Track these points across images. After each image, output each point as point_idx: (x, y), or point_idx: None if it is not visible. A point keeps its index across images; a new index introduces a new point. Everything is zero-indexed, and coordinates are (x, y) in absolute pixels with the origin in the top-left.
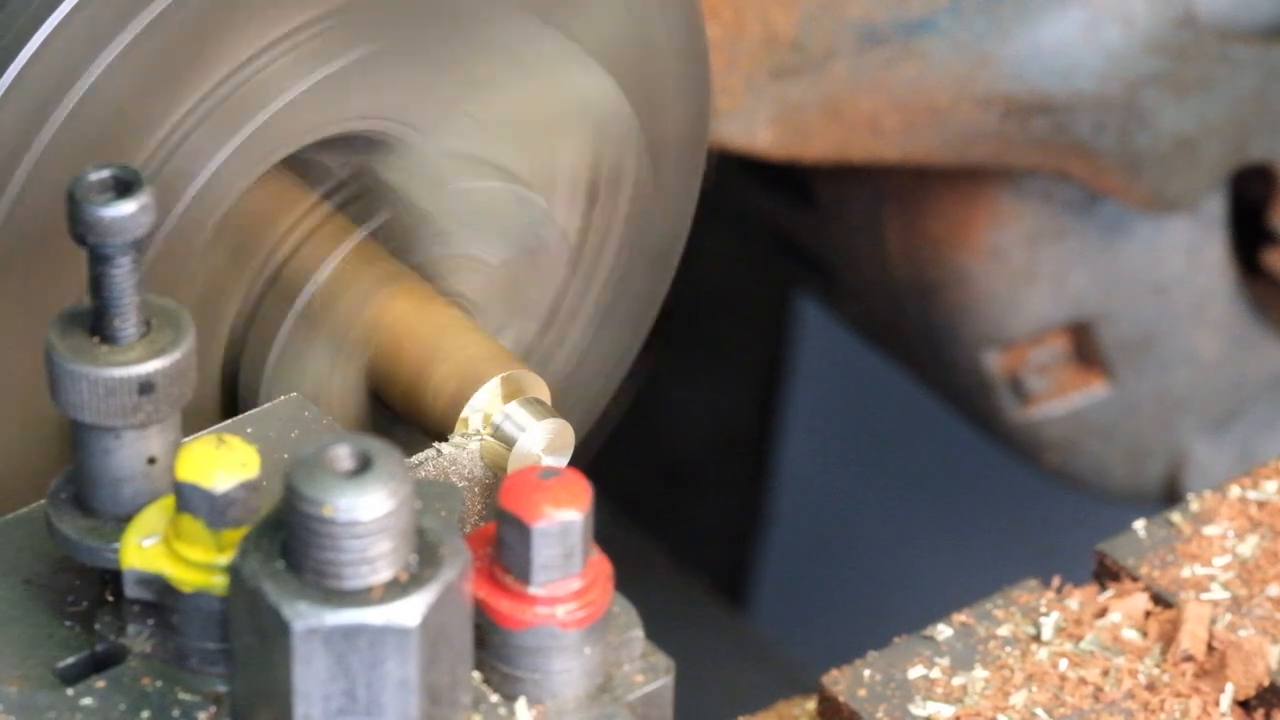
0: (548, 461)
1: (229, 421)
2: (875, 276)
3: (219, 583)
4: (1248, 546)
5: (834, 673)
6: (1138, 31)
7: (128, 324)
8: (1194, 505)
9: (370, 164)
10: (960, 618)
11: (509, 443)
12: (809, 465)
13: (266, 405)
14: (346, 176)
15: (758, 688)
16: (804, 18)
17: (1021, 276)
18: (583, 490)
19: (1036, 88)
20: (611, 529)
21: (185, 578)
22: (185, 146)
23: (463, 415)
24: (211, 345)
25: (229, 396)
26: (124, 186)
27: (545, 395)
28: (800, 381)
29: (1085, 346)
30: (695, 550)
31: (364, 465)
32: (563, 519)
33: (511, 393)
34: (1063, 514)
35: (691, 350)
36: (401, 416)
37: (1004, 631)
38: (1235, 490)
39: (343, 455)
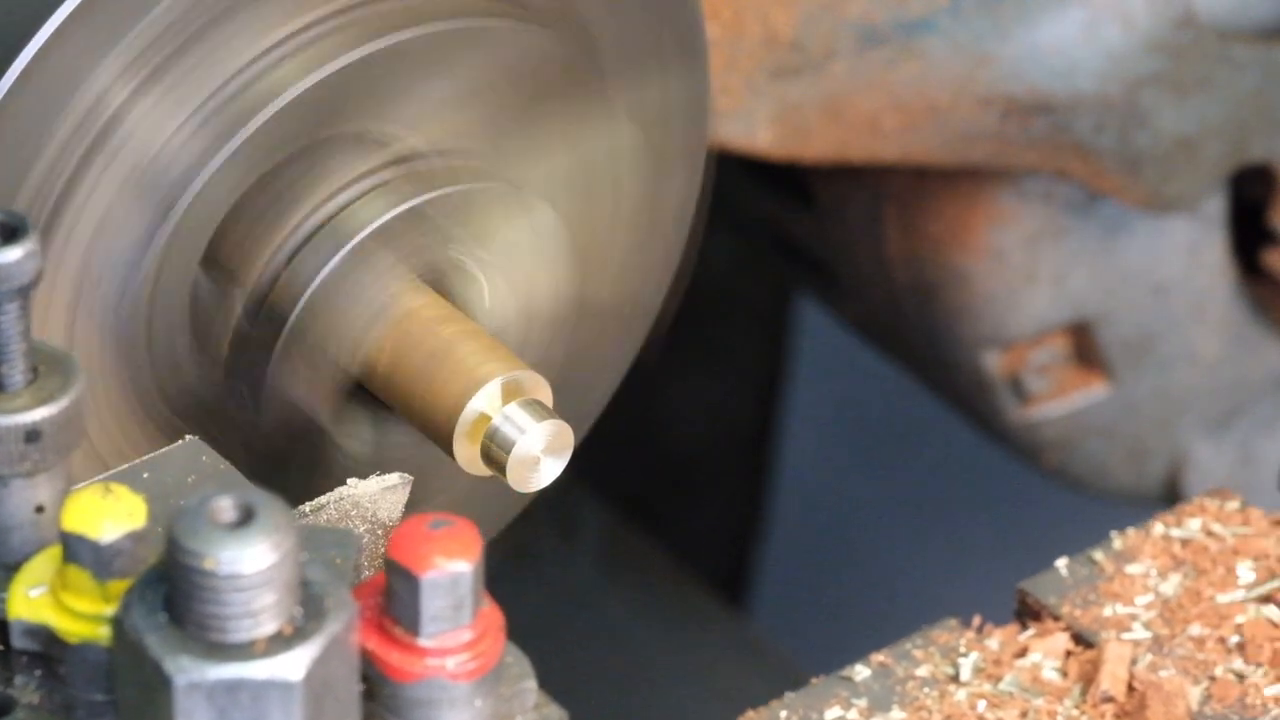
0: (547, 463)
1: (124, 466)
2: (875, 276)
3: (105, 634)
4: (1170, 585)
5: (750, 714)
6: (1138, 31)
7: (15, 370)
8: (1116, 543)
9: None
10: (878, 658)
11: (508, 445)
12: (809, 465)
13: (165, 449)
14: (348, 176)
15: (757, 688)
16: (804, 18)
17: (1021, 277)
18: (473, 540)
19: (1036, 88)
20: (611, 529)
21: (71, 629)
22: (185, 150)
23: (463, 416)
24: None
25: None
26: (9, 233)
27: (547, 396)
28: (800, 381)
29: (1085, 347)
30: (695, 550)
31: (247, 517)
32: (453, 570)
33: (512, 394)
34: (1063, 515)
35: (691, 350)
36: (403, 419)
37: (922, 672)
38: (1159, 528)
39: (225, 507)
